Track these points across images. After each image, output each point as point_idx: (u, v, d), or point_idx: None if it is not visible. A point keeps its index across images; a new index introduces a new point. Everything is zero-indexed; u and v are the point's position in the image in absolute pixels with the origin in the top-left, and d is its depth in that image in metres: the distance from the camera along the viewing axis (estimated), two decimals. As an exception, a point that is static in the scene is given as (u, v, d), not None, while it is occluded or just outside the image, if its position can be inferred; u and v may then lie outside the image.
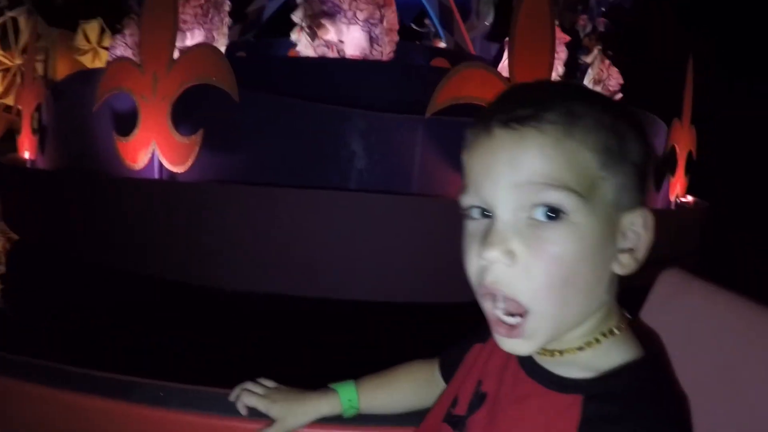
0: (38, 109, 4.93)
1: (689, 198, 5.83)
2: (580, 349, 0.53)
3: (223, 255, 3.30)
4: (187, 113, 3.58)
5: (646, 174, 0.52)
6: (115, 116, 3.95)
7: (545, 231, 0.49)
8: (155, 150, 3.64)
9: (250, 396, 0.79)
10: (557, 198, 0.48)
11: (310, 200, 3.28)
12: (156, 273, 3.30)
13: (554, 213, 0.49)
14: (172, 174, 3.65)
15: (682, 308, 0.67)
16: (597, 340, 0.53)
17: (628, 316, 0.56)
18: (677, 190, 5.46)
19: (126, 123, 3.77)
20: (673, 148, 5.22)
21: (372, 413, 0.80)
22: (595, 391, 0.51)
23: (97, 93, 3.85)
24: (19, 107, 5.36)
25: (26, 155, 5.20)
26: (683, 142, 5.39)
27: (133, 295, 3.05)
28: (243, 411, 0.79)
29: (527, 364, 0.57)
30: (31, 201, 4.34)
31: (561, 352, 0.54)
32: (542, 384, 0.54)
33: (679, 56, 5.79)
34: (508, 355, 0.58)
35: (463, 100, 3.39)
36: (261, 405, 0.78)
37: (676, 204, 5.48)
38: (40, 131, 4.91)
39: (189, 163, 3.55)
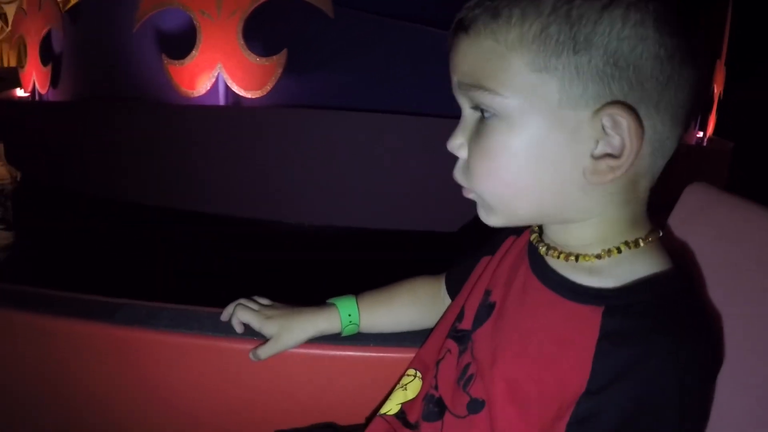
0: (48, 36, 4.28)
1: (713, 137, 5.84)
2: (598, 257, 0.49)
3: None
4: (257, 31, 3.19)
5: (638, 66, 0.44)
6: (160, 37, 3.51)
7: (482, 127, 0.48)
8: (221, 74, 3.25)
9: (244, 311, 0.74)
10: (478, 97, 0.47)
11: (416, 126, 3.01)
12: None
13: (486, 111, 0.48)
14: (237, 100, 3.30)
15: (707, 222, 0.63)
16: (618, 250, 0.49)
17: (660, 231, 0.51)
18: (709, 129, 5.44)
19: (174, 44, 3.35)
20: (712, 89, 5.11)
21: (373, 331, 0.76)
22: (617, 302, 0.47)
23: (138, 11, 3.37)
24: (22, 35, 4.53)
25: (32, 90, 4.49)
26: (719, 81, 5.31)
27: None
28: (238, 328, 0.75)
29: (540, 269, 0.53)
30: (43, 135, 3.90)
31: (576, 257, 0.50)
32: (557, 292, 0.50)
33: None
34: (518, 261, 0.57)
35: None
36: (255, 321, 0.73)
37: (708, 140, 5.49)
38: (53, 61, 4.28)
39: (268, 87, 3.18)
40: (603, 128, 0.44)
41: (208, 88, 3.29)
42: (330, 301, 0.76)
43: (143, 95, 3.56)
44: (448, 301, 0.73)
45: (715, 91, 5.23)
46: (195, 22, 3.25)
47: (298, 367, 0.75)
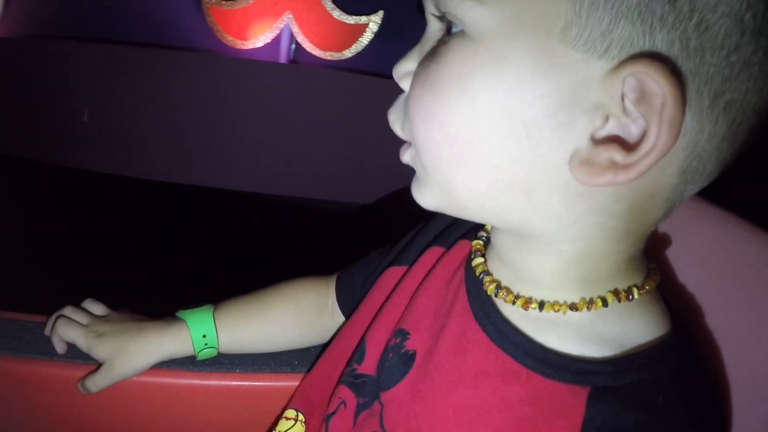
0: None
1: None
2: (573, 307, 0.36)
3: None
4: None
5: (707, 22, 0.28)
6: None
7: (441, 48, 0.34)
8: (290, 25, 2.66)
9: (67, 327, 0.59)
10: (442, 2, 0.33)
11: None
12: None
13: (452, 24, 0.34)
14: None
15: (690, 235, 0.52)
16: (604, 302, 0.35)
17: (659, 274, 0.38)
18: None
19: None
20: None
21: (237, 352, 0.61)
22: (608, 383, 0.34)
23: None
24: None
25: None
26: None
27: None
28: (59, 348, 0.59)
29: (488, 316, 0.38)
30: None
31: (540, 305, 0.36)
32: (515, 357, 0.36)
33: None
34: (450, 295, 0.42)
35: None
36: (82, 340, 0.58)
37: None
38: None
39: (354, 49, 2.66)
40: (622, 97, 0.29)
41: (267, 41, 2.68)
42: (180, 314, 0.60)
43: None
44: (339, 317, 0.60)
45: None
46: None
47: (141, 399, 0.60)
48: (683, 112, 0.29)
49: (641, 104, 0.29)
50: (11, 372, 0.59)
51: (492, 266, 0.40)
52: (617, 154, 0.29)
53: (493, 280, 0.39)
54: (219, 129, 2.67)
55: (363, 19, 2.66)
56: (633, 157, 0.29)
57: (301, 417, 0.53)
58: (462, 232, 0.47)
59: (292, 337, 0.63)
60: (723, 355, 0.44)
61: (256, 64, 2.65)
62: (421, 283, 0.46)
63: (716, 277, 0.47)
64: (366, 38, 2.66)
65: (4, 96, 2.56)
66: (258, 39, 2.67)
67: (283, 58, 2.73)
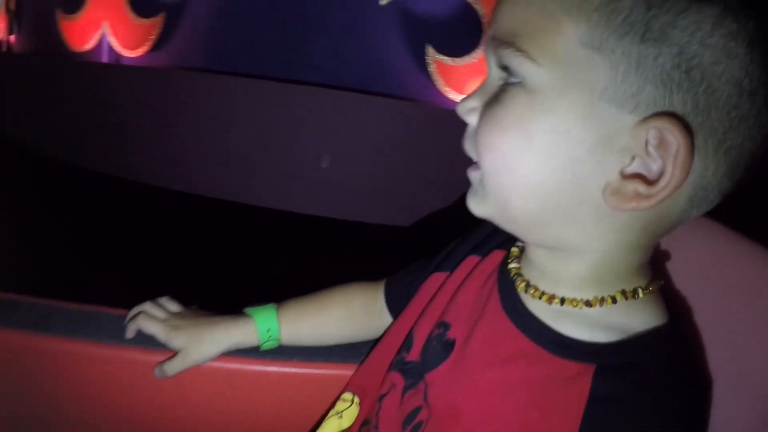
0: None
1: None
2: (588, 304, 0.43)
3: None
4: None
5: (714, 87, 0.36)
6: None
7: (503, 93, 0.41)
8: (106, 32, 3.59)
9: (147, 321, 0.66)
10: (509, 57, 0.40)
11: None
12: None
13: (511, 75, 0.41)
14: (118, 58, 3.69)
15: (687, 249, 0.55)
16: (613, 300, 0.43)
17: (662, 280, 0.45)
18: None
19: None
20: None
21: (296, 345, 0.68)
22: (611, 361, 0.41)
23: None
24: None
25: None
26: None
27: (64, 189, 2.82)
28: (130, 334, 0.66)
29: (516, 311, 0.46)
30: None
31: (561, 300, 0.44)
32: (538, 343, 0.44)
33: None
34: (485, 294, 0.50)
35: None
36: (161, 333, 0.65)
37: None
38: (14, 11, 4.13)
39: (145, 47, 3.55)
40: (646, 143, 0.37)
41: (93, 45, 3.61)
42: (247, 310, 0.68)
43: (53, 48, 3.59)
44: (386, 317, 0.68)
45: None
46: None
47: (210, 383, 0.67)
48: (692, 156, 0.37)
49: (660, 149, 0.37)
50: (96, 357, 0.66)
51: (523, 269, 0.48)
52: (641, 187, 0.38)
53: (524, 280, 0.47)
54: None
55: (152, 19, 3.54)
56: (653, 190, 0.37)
57: (356, 399, 0.62)
58: (495, 244, 0.55)
59: (343, 334, 0.70)
60: (707, 345, 0.50)
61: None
62: (460, 286, 0.55)
63: (704, 282, 0.53)
64: (153, 36, 3.57)
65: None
66: (88, 44, 3.61)
67: (104, 59, 3.66)
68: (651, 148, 0.38)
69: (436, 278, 0.60)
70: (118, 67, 3.54)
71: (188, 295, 0.71)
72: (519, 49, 0.39)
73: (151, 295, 0.70)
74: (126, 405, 0.69)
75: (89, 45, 3.62)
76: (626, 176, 0.39)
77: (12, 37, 4.34)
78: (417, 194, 2.71)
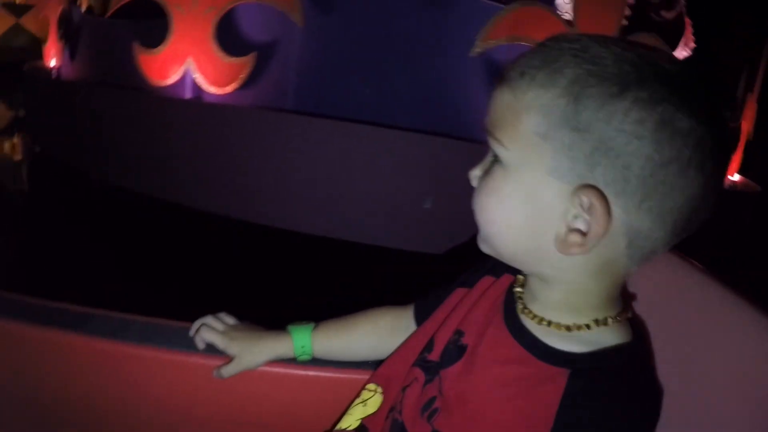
0: (65, 15, 4.24)
1: (738, 177, 4.57)
2: (568, 329, 0.54)
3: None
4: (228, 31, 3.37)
5: (627, 162, 0.46)
6: (138, 24, 3.46)
7: (491, 168, 0.54)
8: (191, 68, 3.43)
9: (209, 332, 0.77)
10: (491, 143, 0.53)
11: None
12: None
13: (495, 156, 0.53)
14: (199, 94, 3.52)
15: (651, 278, 0.65)
16: (587, 326, 0.54)
17: (629, 312, 0.57)
18: (733, 169, 4.49)
19: (152, 34, 3.38)
20: (740, 125, 4.42)
21: (328, 358, 0.79)
22: (584, 366, 0.52)
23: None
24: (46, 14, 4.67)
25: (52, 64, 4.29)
26: (749, 118, 4.58)
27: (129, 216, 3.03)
28: (201, 346, 0.77)
29: (514, 326, 0.57)
30: (51, 112, 3.76)
31: (548, 323, 0.55)
32: (528, 350, 0.55)
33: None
34: (493, 311, 0.61)
35: (516, 40, 3.13)
36: (220, 342, 0.76)
37: (729, 183, 4.40)
38: (67, 38, 4.19)
39: (235, 86, 3.39)
40: (581, 205, 0.48)
41: (176, 80, 3.44)
42: (289, 327, 0.78)
43: (125, 79, 3.49)
44: (412, 329, 0.75)
45: (744, 129, 4.46)
46: (169, 14, 3.31)
47: (257, 385, 0.78)
48: (608, 215, 0.47)
49: (589, 211, 0.48)
50: (164, 362, 0.77)
51: (524, 293, 0.59)
52: (577, 238, 0.49)
53: (522, 303, 0.58)
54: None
55: (243, 58, 3.36)
56: (585, 240, 0.48)
57: (379, 390, 0.70)
58: (507, 267, 0.62)
59: (371, 350, 0.79)
60: (660, 360, 0.61)
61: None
62: (476, 302, 0.64)
63: (663, 307, 0.65)
64: (244, 75, 3.47)
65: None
66: (170, 78, 3.44)
67: (187, 95, 3.49)
68: (583, 209, 0.48)
69: (459, 293, 0.69)
70: (202, 104, 3.42)
71: (242, 313, 0.83)
72: (494, 137, 0.52)
73: (213, 310, 0.82)
74: (185, 404, 0.80)
75: (171, 80, 3.45)
76: (570, 230, 0.49)
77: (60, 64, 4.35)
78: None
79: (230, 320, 0.80)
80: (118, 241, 2.78)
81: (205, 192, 3.24)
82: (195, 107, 3.40)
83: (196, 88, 3.47)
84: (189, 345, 0.78)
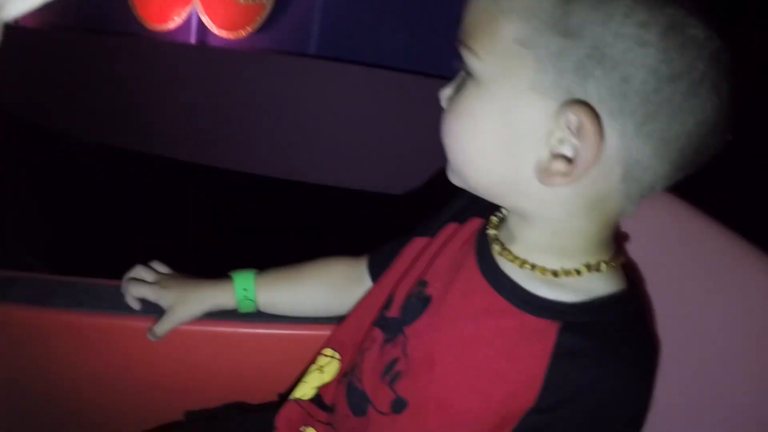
0: None
1: None
2: (555, 274, 0.47)
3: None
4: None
5: (627, 74, 0.39)
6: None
7: (462, 85, 0.47)
8: (197, 8, 3.00)
9: (138, 286, 0.70)
10: (463, 54, 0.45)
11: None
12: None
13: (468, 69, 0.45)
14: (203, 39, 3.11)
15: (648, 223, 0.58)
16: (578, 272, 0.47)
17: (622, 257, 0.50)
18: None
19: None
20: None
21: (274, 311, 0.71)
22: (574, 320, 0.46)
23: None
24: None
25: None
26: None
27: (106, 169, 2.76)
28: (134, 305, 0.70)
29: (491, 270, 0.50)
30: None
31: (532, 266, 0.48)
32: (509, 300, 0.48)
33: None
34: (463, 254, 0.54)
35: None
36: (151, 294, 0.69)
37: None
38: None
39: (249, 29, 2.96)
40: (568, 126, 0.41)
41: (178, 23, 3.01)
42: (230, 273, 0.71)
43: (106, 24, 3.02)
44: (367, 283, 0.70)
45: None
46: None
47: (205, 345, 0.72)
48: (600, 138, 0.40)
49: (578, 132, 0.40)
50: (95, 327, 0.70)
51: (501, 235, 0.52)
52: (562, 166, 0.41)
53: (500, 243, 0.51)
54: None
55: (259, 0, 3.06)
56: (571, 168, 0.41)
57: (336, 355, 0.64)
58: (473, 212, 0.57)
59: (321, 302, 0.72)
60: (659, 313, 0.55)
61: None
62: (439, 249, 0.58)
63: (662, 254, 0.58)
64: (261, 18, 2.98)
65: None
66: (172, 22, 3.00)
67: (192, 39, 3.09)
68: (571, 131, 0.41)
69: (418, 243, 0.62)
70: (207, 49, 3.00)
71: (192, 262, 0.75)
72: (467, 47, 0.44)
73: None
74: (123, 372, 0.74)
75: (173, 24, 3.02)
76: (555, 156, 0.42)
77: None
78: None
79: (163, 269, 0.73)
80: (116, 201, 2.49)
81: (211, 144, 2.93)
82: (213, 54, 2.96)
83: (201, 32, 3.05)
84: (120, 306, 0.71)
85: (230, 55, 2.93)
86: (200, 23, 3.02)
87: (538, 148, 0.43)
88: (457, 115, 0.47)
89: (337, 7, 3.01)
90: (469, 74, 0.46)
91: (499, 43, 0.43)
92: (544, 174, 0.43)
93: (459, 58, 0.46)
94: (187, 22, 3.02)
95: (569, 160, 0.42)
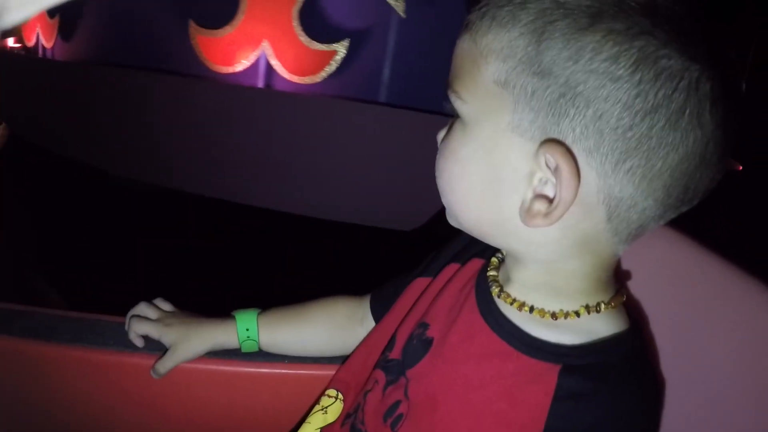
0: None
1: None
2: (554, 316, 0.45)
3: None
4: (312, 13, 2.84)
5: (600, 111, 0.37)
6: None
7: (452, 126, 0.46)
8: (266, 52, 2.87)
9: (141, 323, 0.69)
10: (451, 97, 0.45)
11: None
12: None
13: (455, 112, 0.45)
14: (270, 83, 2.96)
15: (647, 256, 0.58)
16: (577, 314, 0.45)
17: (624, 295, 0.48)
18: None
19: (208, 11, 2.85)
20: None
21: (276, 351, 0.71)
22: (575, 362, 0.44)
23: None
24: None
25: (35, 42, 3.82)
26: None
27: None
28: (137, 342, 0.69)
29: (490, 313, 0.48)
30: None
31: (531, 309, 0.46)
32: (509, 342, 0.46)
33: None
34: (463, 296, 0.53)
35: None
36: (153, 331, 0.69)
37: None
38: (62, 13, 3.49)
39: (322, 75, 2.87)
40: (547, 166, 0.40)
41: (246, 66, 2.89)
42: (234, 313, 0.71)
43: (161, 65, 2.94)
44: (369, 323, 0.69)
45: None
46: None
47: (207, 384, 0.71)
48: (577, 177, 0.39)
49: (556, 172, 0.39)
50: (99, 363, 0.70)
51: (500, 277, 0.51)
52: (542, 206, 0.41)
53: (498, 286, 0.49)
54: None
55: (333, 45, 2.89)
56: (551, 208, 0.40)
57: (340, 396, 0.63)
58: (474, 252, 0.57)
59: (324, 342, 0.71)
60: (661, 348, 0.55)
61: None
62: (440, 291, 0.56)
63: (662, 288, 0.57)
64: (332, 64, 2.89)
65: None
66: (239, 65, 2.86)
67: (260, 83, 2.95)
68: (549, 171, 0.40)
69: (419, 283, 0.61)
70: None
71: (200, 300, 0.76)
72: (453, 90, 0.44)
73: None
74: (125, 409, 0.73)
75: (240, 67, 2.89)
76: (537, 196, 0.41)
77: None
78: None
79: (166, 306, 0.73)
80: (162, 238, 2.45)
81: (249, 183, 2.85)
82: (281, 97, 2.86)
83: (269, 76, 2.93)
84: (123, 343, 0.70)
85: (298, 99, 2.84)
86: (269, 67, 2.92)
87: (521, 188, 0.42)
88: (445, 157, 0.47)
89: (407, 56, 2.93)
90: (457, 117, 0.45)
91: (480, 84, 0.42)
92: (526, 215, 0.42)
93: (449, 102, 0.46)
94: (254, 65, 2.90)
95: (550, 201, 0.41)
